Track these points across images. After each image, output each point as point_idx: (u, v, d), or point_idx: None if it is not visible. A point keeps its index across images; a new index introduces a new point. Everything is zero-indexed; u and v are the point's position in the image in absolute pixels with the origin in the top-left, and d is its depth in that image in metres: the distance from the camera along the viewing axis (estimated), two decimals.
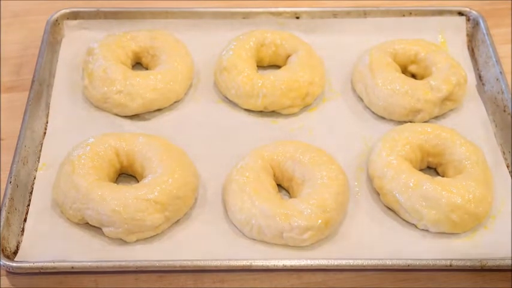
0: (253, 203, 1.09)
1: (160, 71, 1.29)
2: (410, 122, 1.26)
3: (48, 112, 1.28)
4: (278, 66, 1.36)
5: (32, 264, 1.04)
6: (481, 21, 1.42)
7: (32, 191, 1.16)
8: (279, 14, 1.44)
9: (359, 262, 1.05)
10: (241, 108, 1.30)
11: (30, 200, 1.15)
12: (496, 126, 1.29)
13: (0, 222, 1.07)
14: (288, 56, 1.36)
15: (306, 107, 1.32)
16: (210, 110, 1.31)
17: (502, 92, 1.29)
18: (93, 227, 1.10)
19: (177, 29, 1.41)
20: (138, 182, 1.16)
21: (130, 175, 1.19)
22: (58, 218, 1.12)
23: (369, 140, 1.25)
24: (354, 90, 1.34)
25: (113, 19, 1.43)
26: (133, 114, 1.28)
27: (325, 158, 1.16)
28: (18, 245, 1.09)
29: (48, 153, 1.21)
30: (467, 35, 1.44)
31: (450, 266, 1.06)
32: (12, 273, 1.06)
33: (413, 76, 1.35)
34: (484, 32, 1.40)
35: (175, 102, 1.31)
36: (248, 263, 1.05)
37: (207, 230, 1.12)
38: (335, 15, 1.44)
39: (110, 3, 1.49)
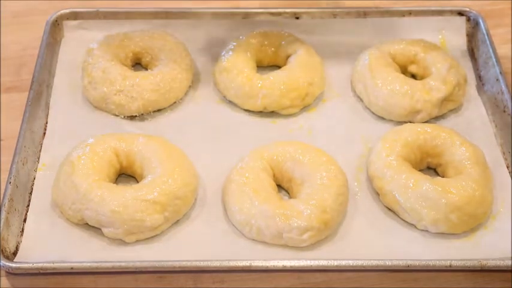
0: (253, 204, 1.09)
1: (160, 71, 1.29)
2: (410, 122, 1.26)
3: (48, 112, 1.28)
4: (278, 67, 1.36)
5: (31, 264, 1.04)
6: (480, 21, 1.41)
7: (31, 191, 1.16)
8: (279, 14, 1.44)
9: (359, 262, 1.05)
10: (241, 108, 1.30)
11: (29, 201, 1.15)
12: (495, 126, 1.29)
13: (0, 223, 1.07)
14: (288, 56, 1.35)
15: (305, 108, 1.31)
16: (210, 110, 1.31)
17: (502, 92, 1.29)
18: (92, 228, 1.10)
19: (177, 29, 1.41)
20: (137, 182, 1.16)
21: (130, 176, 1.19)
22: (57, 219, 1.12)
23: (368, 141, 1.25)
24: (353, 90, 1.34)
25: (113, 19, 1.42)
26: (133, 114, 1.27)
27: (324, 159, 1.15)
28: (17, 245, 1.08)
29: (48, 154, 1.21)
30: (467, 35, 1.44)
31: (450, 266, 1.05)
32: (11, 273, 1.06)
33: (413, 76, 1.35)
34: (484, 32, 1.39)
35: (174, 102, 1.30)
36: (248, 264, 1.05)
37: (207, 231, 1.11)
38: (335, 15, 1.44)
39: (110, 4, 1.49)
